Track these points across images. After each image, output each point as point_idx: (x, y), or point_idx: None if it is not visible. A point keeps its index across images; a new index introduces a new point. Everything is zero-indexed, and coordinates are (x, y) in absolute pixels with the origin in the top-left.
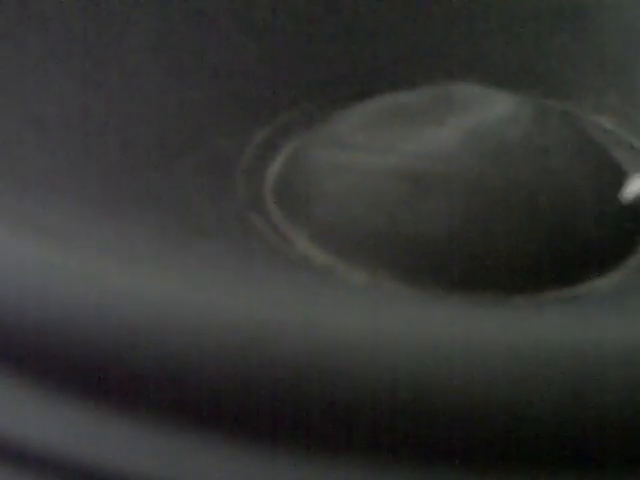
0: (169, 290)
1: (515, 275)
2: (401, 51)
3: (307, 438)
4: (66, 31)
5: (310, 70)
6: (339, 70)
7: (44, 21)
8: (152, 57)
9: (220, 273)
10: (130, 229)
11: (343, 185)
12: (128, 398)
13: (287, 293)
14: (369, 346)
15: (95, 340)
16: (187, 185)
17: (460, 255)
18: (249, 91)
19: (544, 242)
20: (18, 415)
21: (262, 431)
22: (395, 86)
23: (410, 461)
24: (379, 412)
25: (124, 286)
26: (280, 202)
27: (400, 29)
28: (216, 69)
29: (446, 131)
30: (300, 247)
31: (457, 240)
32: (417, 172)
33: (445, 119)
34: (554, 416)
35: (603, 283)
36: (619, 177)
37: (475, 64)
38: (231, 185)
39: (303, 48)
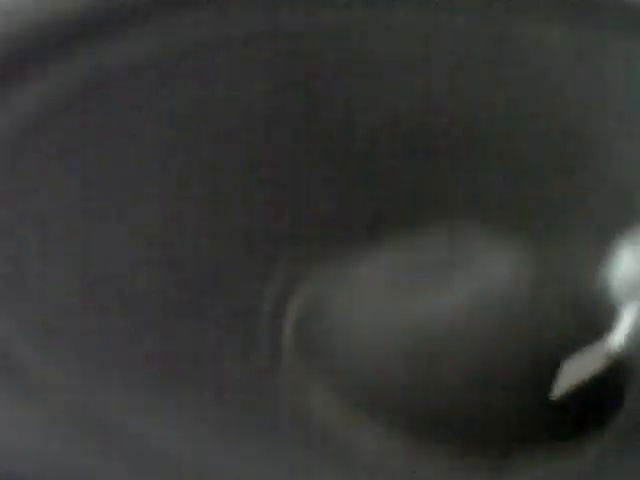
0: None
1: (514, 439)
2: (407, 190)
3: None
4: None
5: (323, 210)
6: (349, 209)
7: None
8: (160, 206)
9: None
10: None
11: (359, 343)
12: None
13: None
14: None
15: None
16: (210, 338)
17: (465, 421)
18: (265, 235)
19: (544, 408)
20: None
21: None
22: (402, 223)
23: None
24: None
25: None
26: (299, 352)
27: (406, 169)
28: (232, 214)
29: (451, 290)
30: (317, 402)
31: (461, 406)
32: (429, 333)
33: (451, 275)
34: None
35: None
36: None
37: (478, 204)
38: (252, 334)
39: (314, 190)
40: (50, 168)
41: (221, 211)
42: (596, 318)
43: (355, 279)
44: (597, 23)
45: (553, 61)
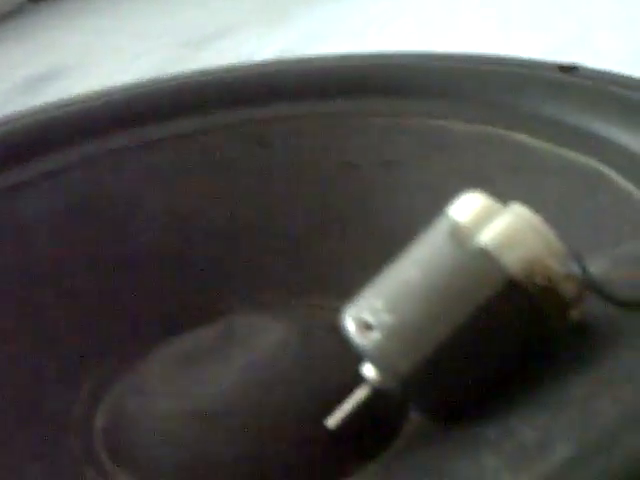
0: None
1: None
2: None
3: None
4: None
5: (121, 317)
6: (148, 313)
7: None
8: None
9: None
10: None
11: (153, 431)
12: None
13: None
14: None
15: None
16: (23, 452)
17: (254, 472)
18: (69, 346)
19: (317, 452)
20: None
21: None
22: (192, 317)
23: None
24: None
25: None
26: (108, 451)
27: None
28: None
29: (228, 367)
30: None
31: (249, 460)
32: (208, 411)
33: (227, 354)
34: None
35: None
36: None
37: (263, 281)
38: (66, 439)
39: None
40: None
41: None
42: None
43: (143, 382)
44: None
45: None
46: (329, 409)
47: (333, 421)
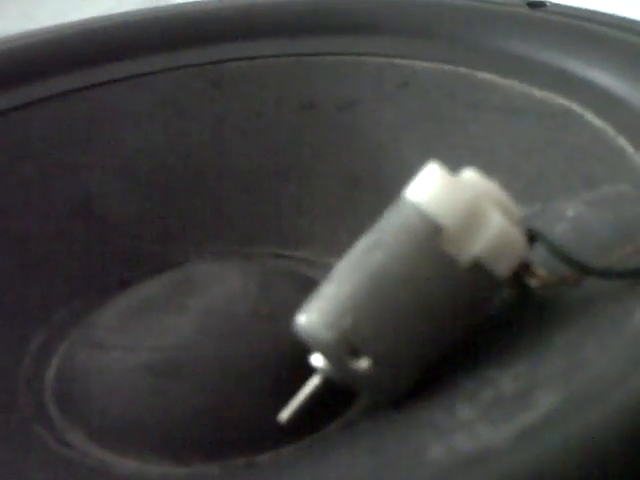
0: None
1: (260, 436)
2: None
3: None
4: None
5: (73, 268)
6: (102, 263)
7: None
8: None
9: None
10: None
11: (107, 386)
12: None
13: None
14: None
15: None
16: None
17: (211, 428)
18: (19, 297)
19: (279, 404)
20: None
21: None
22: (147, 267)
23: None
24: None
25: None
26: (59, 407)
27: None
28: None
29: (185, 317)
30: (79, 446)
31: (206, 415)
32: (164, 364)
33: (184, 304)
34: None
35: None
36: None
37: (220, 229)
38: (13, 395)
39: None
40: None
41: None
42: None
43: (97, 335)
44: None
45: None
46: (290, 361)
47: (285, 415)
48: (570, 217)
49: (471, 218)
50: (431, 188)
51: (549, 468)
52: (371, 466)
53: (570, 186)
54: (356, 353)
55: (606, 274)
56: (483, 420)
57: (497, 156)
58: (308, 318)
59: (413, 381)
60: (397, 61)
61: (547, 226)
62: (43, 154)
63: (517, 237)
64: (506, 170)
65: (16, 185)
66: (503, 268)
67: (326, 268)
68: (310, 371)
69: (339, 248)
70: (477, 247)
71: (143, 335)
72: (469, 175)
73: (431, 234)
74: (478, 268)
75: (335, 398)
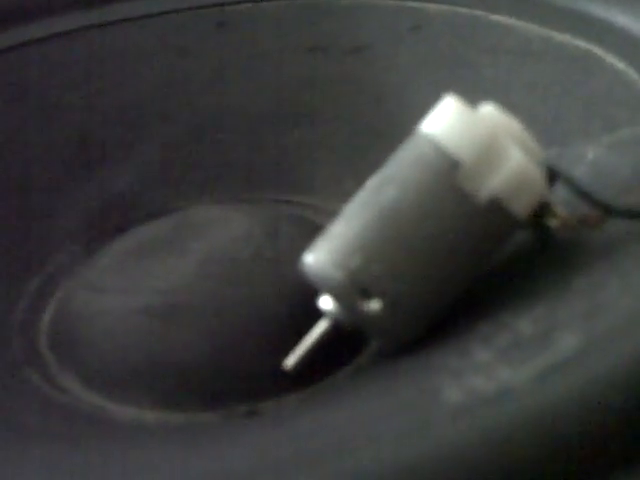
0: None
1: (262, 384)
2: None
3: None
4: None
5: (73, 211)
6: (102, 208)
7: None
8: None
9: None
10: None
11: (104, 330)
12: None
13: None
14: None
15: None
16: None
17: (211, 373)
18: (16, 242)
19: (282, 350)
20: None
21: None
22: (147, 213)
23: None
24: None
25: None
26: (54, 352)
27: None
28: None
29: (186, 260)
30: (74, 393)
31: (206, 360)
32: (163, 307)
33: (185, 247)
34: None
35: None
36: None
37: (222, 174)
38: (7, 339)
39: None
40: None
41: None
42: None
43: (95, 278)
44: None
45: None
46: (295, 306)
47: (291, 361)
48: (590, 160)
49: (490, 153)
50: (448, 121)
51: (570, 409)
52: (382, 409)
53: (590, 130)
54: (366, 294)
55: (628, 214)
56: (501, 362)
57: (514, 100)
58: (316, 257)
59: (426, 325)
60: (409, 4)
61: (566, 168)
62: (41, 95)
63: (537, 175)
64: (524, 114)
65: (14, 127)
66: (522, 207)
67: (333, 215)
68: (316, 318)
69: (346, 195)
70: (495, 184)
71: (142, 278)
72: (488, 110)
73: (447, 169)
74: (496, 206)
75: (343, 344)
